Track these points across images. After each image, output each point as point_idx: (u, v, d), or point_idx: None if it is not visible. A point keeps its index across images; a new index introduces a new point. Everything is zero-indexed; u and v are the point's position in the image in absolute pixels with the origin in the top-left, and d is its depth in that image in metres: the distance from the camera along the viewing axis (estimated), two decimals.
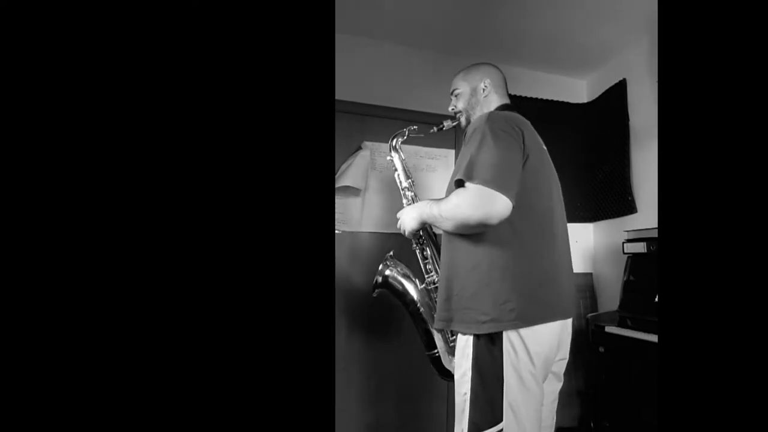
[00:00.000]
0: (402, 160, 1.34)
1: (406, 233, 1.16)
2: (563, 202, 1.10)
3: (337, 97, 1.63)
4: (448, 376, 1.22)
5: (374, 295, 1.34)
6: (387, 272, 1.31)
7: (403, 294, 1.29)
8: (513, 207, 0.90)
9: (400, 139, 1.33)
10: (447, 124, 1.26)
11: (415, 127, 1.32)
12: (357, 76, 1.99)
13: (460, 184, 0.95)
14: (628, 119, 2.13)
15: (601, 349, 1.81)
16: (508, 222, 0.92)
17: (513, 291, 0.93)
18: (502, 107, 1.15)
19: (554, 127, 2.22)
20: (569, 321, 1.04)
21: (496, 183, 0.88)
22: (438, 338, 1.23)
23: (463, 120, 1.21)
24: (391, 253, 1.35)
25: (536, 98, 2.31)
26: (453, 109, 1.23)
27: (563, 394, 2.11)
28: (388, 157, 1.35)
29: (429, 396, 2.00)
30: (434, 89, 2.15)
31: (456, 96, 1.22)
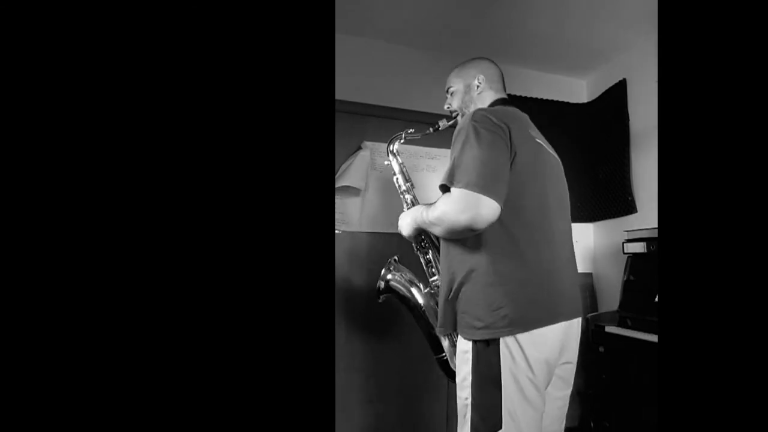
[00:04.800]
0: (400, 164, 1.32)
1: (405, 237, 1.16)
2: (566, 198, 1.07)
3: (337, 97, 1.63)
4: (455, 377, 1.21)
5: (380, 300, 1.33)
6: (389, 276, 1.30)
7: (407, 299, 1.28)
8: (502, 209, 0.86)
9: (397, 143, 1.32)
10: (442, 123, 1.24)
11: (411, 130, 1.30)
12: (357, 76, 1.99)
13: (444, 189, 0.92)
14: (628, 119, 2.13)
15: (601, 349, 1.81)
16: (499, 225, 0.89)
17: (506, 296, 0.90)
18: (498, 102, 1.12)
19: (554, 127, 2.21)
20: (576, 321, 1.00)
21: (481, 186, 0.85)
22: (444, 340, 1.19)
23: (459, 120, 1.17)
24: (396, 257, 1.34)
25: (536, 98, 2.31)
26: (448, 108, 1.21)
27: None
28: (386, 162, 1.33)
29: (429, 396, 2.00)
30: (434, 89, 2.15)
31: (451, 94, 1.19)
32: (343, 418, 1.82)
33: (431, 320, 1.23)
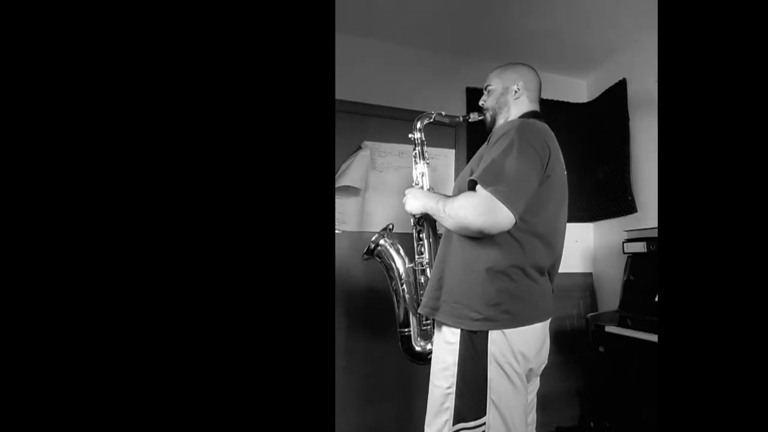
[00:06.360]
0: (422, 142, 1.34)
1: (407, 211, 1.18)
2: (566, 212, 1.12)
3: (337, 97, 1.63)
4: (413, 356, 1.28)
5: (364, 259, 1.37)
6: (381, 241, 1.33)
7: (390, 267, 1.32)
8: (516, 222, 0.91)
9: (425, 120, 1.33)
10: (473, 116, 1.26)
11: (443, 112, 1.33)
12: (357, 76, 1.99)
13: (472, 185, 0.95)
14: (628, 119, 2.13)
15: (601, 349, 1.81)
16: (510, 231, 0.94)
17: (505, 293, 0.95)
18: (531, 114, 1.15)
19: (554, 127, 2.21)
20: (548, 322, 1.06)
21: (507, 196, 0.89)
22: (412, 318, 1.28)
23: (488, 117, 1.21)
24: (391, 225, 1.37)
25: None
26: (482, 104, 1.23)
27: (563, 394, 2.12)
28: (410, 135, 1.34)
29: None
30: (434, 89, 2.16)
31: (488, 92, 1.22)
32: (343, 417, 1.82)
33: (406, 294, 1.30)
